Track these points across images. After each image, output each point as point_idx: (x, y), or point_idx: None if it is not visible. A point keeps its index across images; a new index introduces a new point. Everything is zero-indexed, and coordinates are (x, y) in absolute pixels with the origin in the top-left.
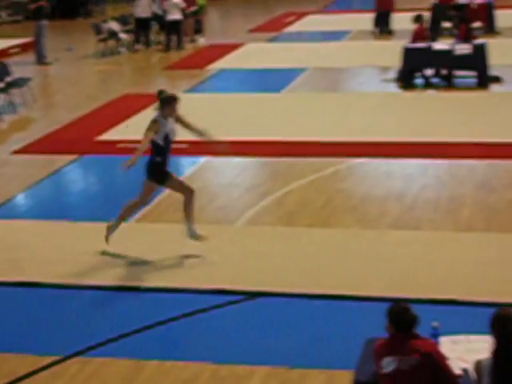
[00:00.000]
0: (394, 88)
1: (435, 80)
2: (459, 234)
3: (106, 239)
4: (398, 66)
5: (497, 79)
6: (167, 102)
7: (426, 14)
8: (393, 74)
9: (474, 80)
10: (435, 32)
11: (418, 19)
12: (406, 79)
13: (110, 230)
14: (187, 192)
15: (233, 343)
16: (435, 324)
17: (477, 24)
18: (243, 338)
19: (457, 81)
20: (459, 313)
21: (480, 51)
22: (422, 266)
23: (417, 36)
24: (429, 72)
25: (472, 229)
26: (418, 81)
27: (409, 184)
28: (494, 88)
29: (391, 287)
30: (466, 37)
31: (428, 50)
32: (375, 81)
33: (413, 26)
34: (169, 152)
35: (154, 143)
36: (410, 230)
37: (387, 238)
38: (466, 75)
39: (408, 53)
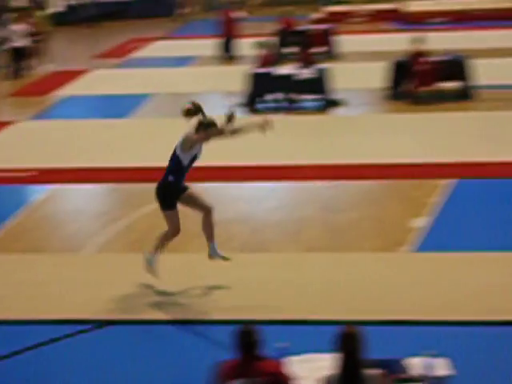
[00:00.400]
0: (239, 113)
1: (280, 104)
2: (305, 254)
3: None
4: (243, 91)
5: (339, 103)
6: (208, 127)
7: (273, 40)
8: (238, 99)
9: (317, 104)
10: (280, 57)
11: (263, 45)
12: (251, 104)
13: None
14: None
15: (84, 372)
16: (283, 344)
17: (318, 49)
18: (94, 367)
19: (300, 105)
20: (308, 332)
21: (322, 76)
22: (271, 287)
23: (263, 61)
24: (273, 96)
25: (317, 249)
26: (263, 105)
27: (255, 207)
28: (337, 111)
29: (240, 310)
30: (307, 62)
31: (272, 75)
32: (221, 106)
33: (259, 52)
34: (185, 175)
35: (177, 160)
36: (258, 253)
37: (235, 260)
38: (310, 99)
39: (253, 78)
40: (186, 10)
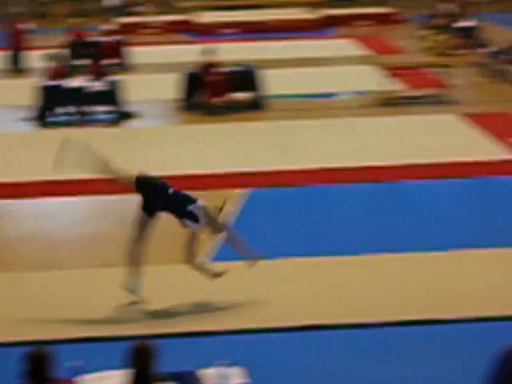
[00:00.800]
0: (29, 127)
1: (72, 118)
2: (100, 270)
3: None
4: (33, 104)
5: (132, 115)
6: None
7: (63, 52)
8: (28, 113)
9: (110, 116)
10: (71, 70)
11: (53, 57)
12: (41, 118)
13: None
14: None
15: None
16: (76, 363)
17: (110, 61)
18: None
19: (93, 118)
20: (102, 349)
21: (114, 88)
22: (62, 306)
23: (53, 74)
24: (65, 110)
25: (113, 264)
26: (55, 118)
27: (46, 224)
28: (130, 123)
29: (30, 330)
30: (99, 74)
31: (63, 87)
32: (10, 120)
33: (48, 64)
34: (172, 209)
35: (186, 200)
36: (50, 271)
37: (27, 280)
38: (102, 112)
39: (43, 91)
40: None
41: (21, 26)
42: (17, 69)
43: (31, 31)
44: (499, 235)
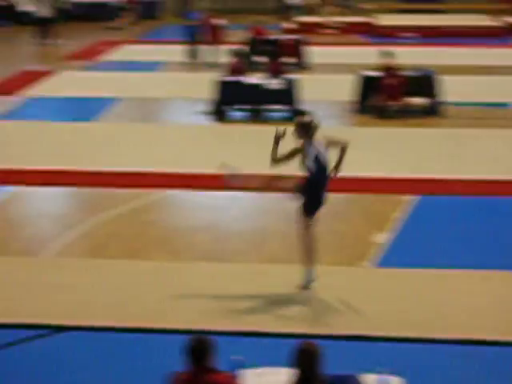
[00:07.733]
0: (206, 120)
1: (247, 113)
2: (265, 265)
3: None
4: (210, 98)
5: (306, 114)
6: None
7: (244, 48)
8: (205, 107)
9: (285, 114)
10: (250, 66)
11: (235, 53)
12: (218, 112)
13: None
14: None
15: (41, 379)
16: (237, 357)
17: (288, 59)
18: (51, 373)
19: (268, 115)
20: (264, 345)
21: (290, 86)
22: (228, 298)
23: (233, 69)
24: (241, 105)
25: (279, 260)
26: (231, 114)
27: (218, 216)
28: None
29: (195, 319)
30: (277, 72)
31: (241, 83)
32: (188, 113)
33: (229, 59)
34: None
35: None
36: (219, 262)
37: (196, 269)
38: (277, 109)
39: (221, 86)
40: (126, 19)
41: (215, 21)
42: (198, 62)
43: (223, 27)
44: None
